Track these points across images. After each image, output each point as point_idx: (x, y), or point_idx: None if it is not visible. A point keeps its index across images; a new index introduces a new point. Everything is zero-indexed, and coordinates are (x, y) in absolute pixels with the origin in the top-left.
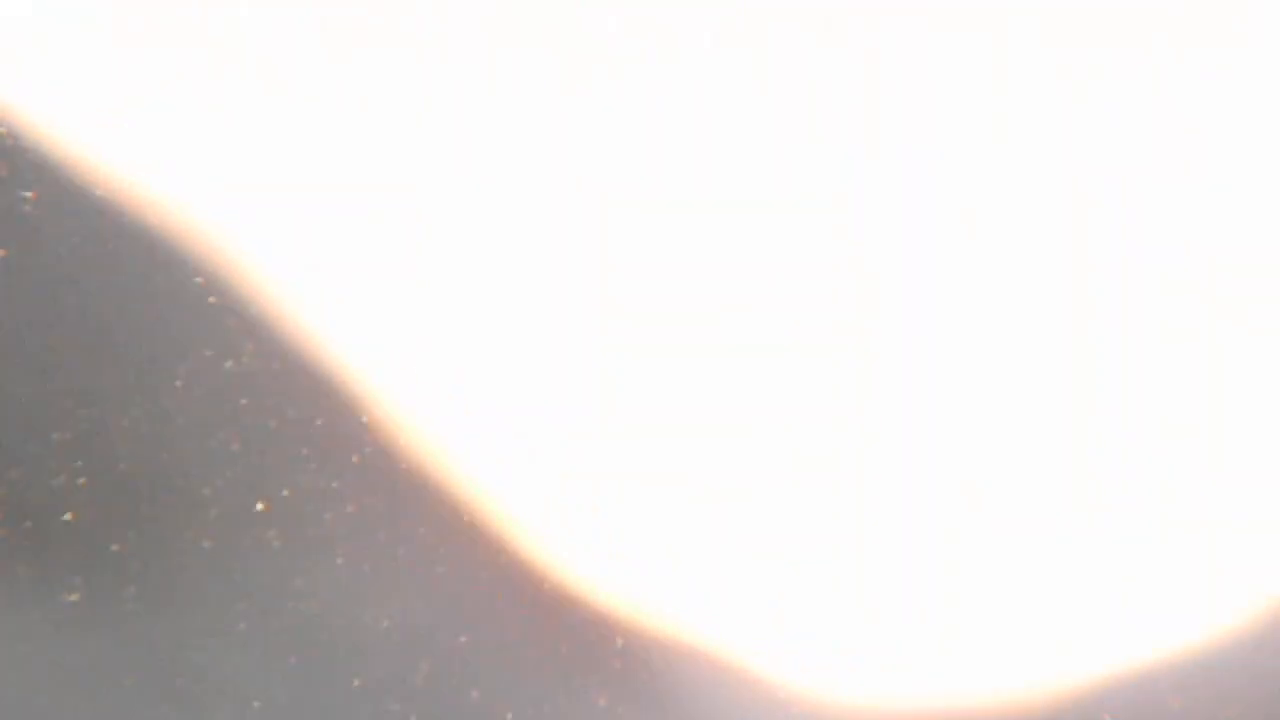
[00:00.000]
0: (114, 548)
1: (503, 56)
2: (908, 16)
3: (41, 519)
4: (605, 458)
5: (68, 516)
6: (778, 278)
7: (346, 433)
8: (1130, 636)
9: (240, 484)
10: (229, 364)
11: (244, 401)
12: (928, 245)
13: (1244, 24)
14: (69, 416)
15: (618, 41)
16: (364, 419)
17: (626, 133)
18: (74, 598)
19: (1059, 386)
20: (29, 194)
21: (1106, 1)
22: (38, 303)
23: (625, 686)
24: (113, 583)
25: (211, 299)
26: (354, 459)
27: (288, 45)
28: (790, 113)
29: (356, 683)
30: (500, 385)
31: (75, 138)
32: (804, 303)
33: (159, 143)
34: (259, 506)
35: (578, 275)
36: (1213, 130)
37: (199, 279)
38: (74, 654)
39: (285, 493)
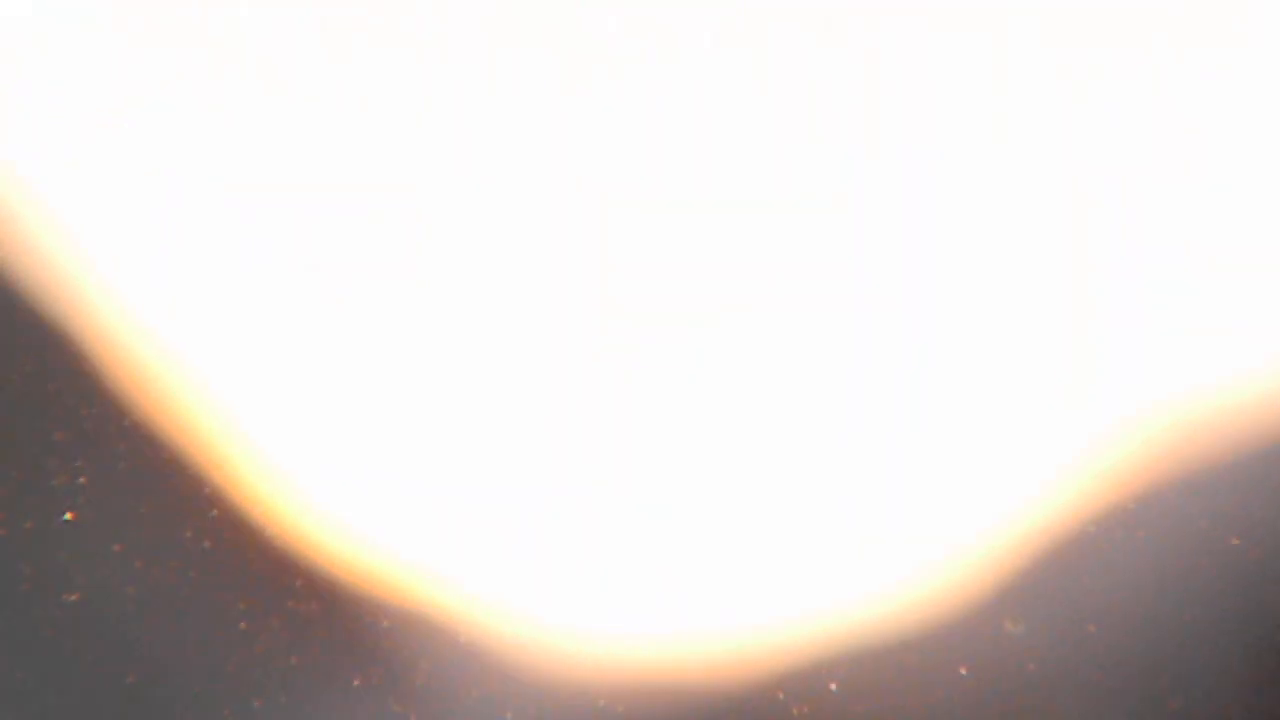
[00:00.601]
0: (114, 548)
1: (503, 56)
2: (908, 16)
3: (41, 519)
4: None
5: (68, 516)
6: (776, 277)
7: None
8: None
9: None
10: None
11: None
12: (927, 245)
13: (1244, 24)
14: (69, 416)
15: (618, 41)
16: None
17: (626, 133)
18: (74, 598)
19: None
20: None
21: (1106, 1)
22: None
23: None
24: (113, 583)
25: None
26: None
27: (288, 45)
28: (790, 113)
29: (356, 683)
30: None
31: (75, 138)
32: (802, 302)
33: (159, 143)
34: None
35: (576, 274)
36: (1213, 130)
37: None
38: (74, 654)
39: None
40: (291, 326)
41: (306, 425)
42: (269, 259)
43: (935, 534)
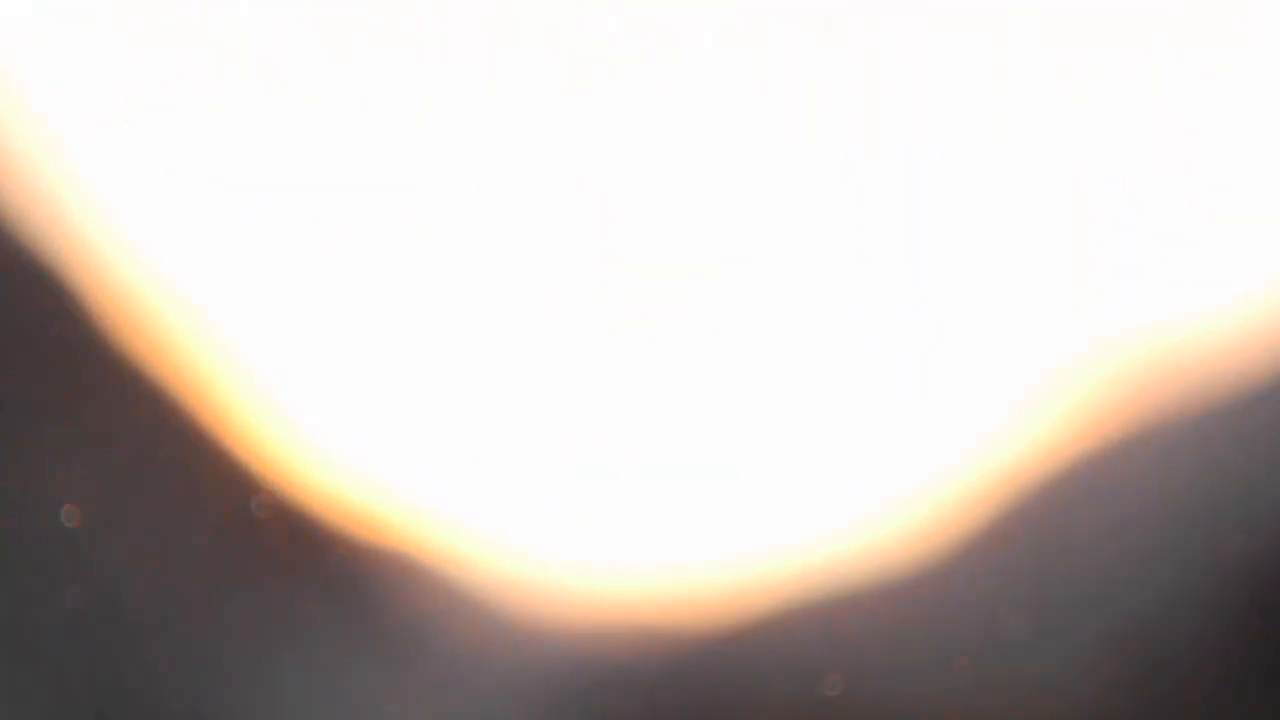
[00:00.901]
0: (114, 548)
1: (503, 56)
2: (908, 16)
3: (41, 519)
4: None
5: (68, 517)
6: (774, 276)
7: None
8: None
9: (240, 484)
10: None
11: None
12: (927, 245)
13: (1244, 24)
14: (69, 416)
15: (618, 41)
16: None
17: (626, 133)
18: (74, 597)
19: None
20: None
21: (1106, 1)
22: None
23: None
24: (113, 583)
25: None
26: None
27: (288, 45)
28: (790, 113)
29: (357, 683)
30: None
31: (75, 138)
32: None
33: (159, 143)
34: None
35: (576, 273)
36: (1213, 130)
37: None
38: (74, 654)
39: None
40: (292, 319)
41: (304, 416)
42: (265, 255)
43: (922, 482)
